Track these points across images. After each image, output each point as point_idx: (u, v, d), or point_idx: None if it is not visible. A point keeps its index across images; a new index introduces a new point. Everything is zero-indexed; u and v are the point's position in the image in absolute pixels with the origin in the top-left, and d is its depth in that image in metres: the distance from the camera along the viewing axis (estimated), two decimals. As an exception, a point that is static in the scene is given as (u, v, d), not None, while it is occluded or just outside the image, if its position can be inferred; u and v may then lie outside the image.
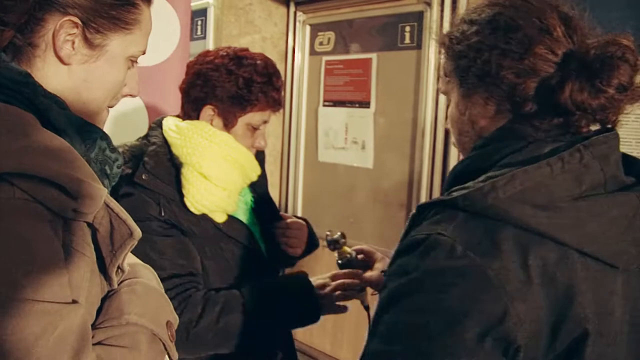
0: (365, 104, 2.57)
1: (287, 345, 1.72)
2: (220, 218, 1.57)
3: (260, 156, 1.76)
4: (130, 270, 0.97)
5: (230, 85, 1.54)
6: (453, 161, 2.23)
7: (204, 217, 1.54)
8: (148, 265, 1.04)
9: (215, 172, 1.50)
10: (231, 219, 1.61)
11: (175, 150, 1.53)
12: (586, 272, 0.86)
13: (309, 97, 2.85)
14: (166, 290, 1.37)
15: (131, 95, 1.04)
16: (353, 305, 1.59)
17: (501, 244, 0.84)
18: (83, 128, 0.91)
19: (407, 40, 2.39)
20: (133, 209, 1.51)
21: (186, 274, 1.49)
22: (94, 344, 0.80)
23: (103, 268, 0.86)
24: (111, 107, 1.01)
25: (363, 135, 2.59)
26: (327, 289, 1.55)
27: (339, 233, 1.59)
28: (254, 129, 1.58)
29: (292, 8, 2.88)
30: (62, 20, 0.86)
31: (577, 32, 0.93)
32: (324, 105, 2.76)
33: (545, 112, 0.92)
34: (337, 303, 1.58)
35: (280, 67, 2.87)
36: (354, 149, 2.64)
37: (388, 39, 2.47)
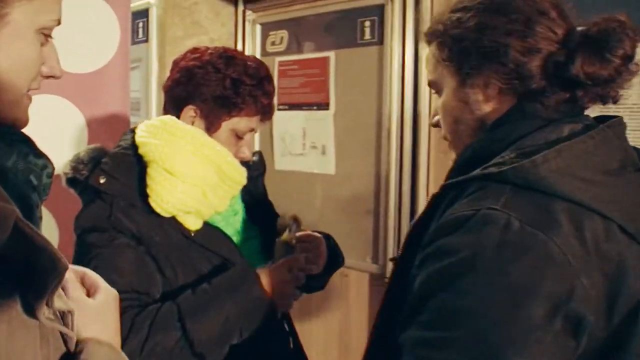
0: (323, 106, 2.40)
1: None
2: (193, 224, 1.38)
3: (257, 166, 1.62)
4: (85, 350, 0.75)
5: (216, 84, 1.40)
6: (423, 164, 2.09)
7: (171, 222, 1.36)
8: (108, 342, 0.81)
9: (181, 167, 1.33)
10: (208, 227, 1.42)
11: (141, 149, 1.36)
12: (629, 247, 0.86)
13: (262, 101, 2.66)
14: None
15: (54, 77, 0.88)
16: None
17: (558, 217, 0.82)
18: None
19: (367, 36, 2.24)
20: (85, 219, 1.35)
21: (124, 291, 1.30)
22: None
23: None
24: (34, 89, 0.85)
25: (323, 139, 2.42)
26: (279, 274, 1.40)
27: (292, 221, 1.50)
28: (239, 137, 1.43)
29: (241, 7, 2.69)
30: None
31: (569, 16, 0.96)
32: (279, 109, 2.57)
33: (552, 89, 0.93)
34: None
35: (229, 70, 2.70)
36: (313, 155, 2.47)
37: (346, 36, 2.31)
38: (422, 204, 2.10)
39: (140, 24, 2.68)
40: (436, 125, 1.09)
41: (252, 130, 1.45)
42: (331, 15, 2.36)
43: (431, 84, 1.08)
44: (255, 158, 1.63)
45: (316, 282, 1.60)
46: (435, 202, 0.95)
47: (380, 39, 2.19)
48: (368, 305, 2.31)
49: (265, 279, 1.37)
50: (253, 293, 1.34)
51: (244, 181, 1.50)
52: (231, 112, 1.40)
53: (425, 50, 2.03)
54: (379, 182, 2.24)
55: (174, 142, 1.35)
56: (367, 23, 2.23)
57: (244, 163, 1.55)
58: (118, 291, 1.25)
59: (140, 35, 2.71)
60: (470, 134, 0.99)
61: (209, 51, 1.45)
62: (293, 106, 2.52)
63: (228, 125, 1.42)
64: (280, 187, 2.56)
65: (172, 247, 1.36)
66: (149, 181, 1.32)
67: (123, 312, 1.23)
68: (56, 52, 0.87)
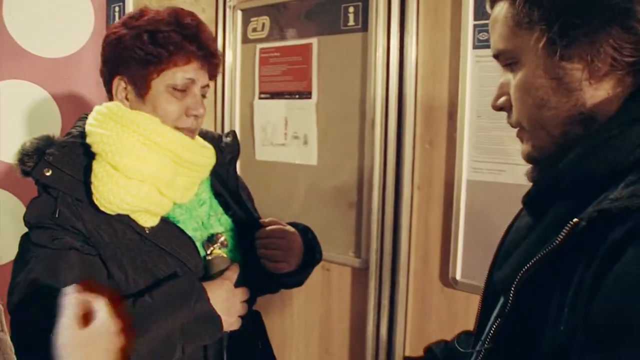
0: (306, 95, 2.32)
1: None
2: (147, 221, 1.27)
3: (230, 148, 1.51)
4: None
5: (132, 44, 1.27)
6: (408, 155, 2.01)
7: (122, 219, 1.25)
8: None
9: (127, 161, 1.21)
10: (165, 223, 1.31)
11: (88, 138, 1.26)
12: None
13: (242, 89, 2.57)
14: (15, 323, 1.09)
15: None
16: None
17: None
18: None
19: (351, 22, 2.16)
20: (30, 214, 1.25)
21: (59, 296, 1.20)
22: None
23: None
24: None
25: (305, 129, 2.34)
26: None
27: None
28: (180, 91, 1.28)
29: (221, -9, 2.60)
30: None
31: None
32: (260, 98, 2.49)
33: None
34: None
35: (209, 57, 2.61)
36: (295, 145, 2.39)
37: (329, 22, 2.22)
38: (406, 197, 2.03)
39: (116, 9, 2.57)
40: (501, 108, 0.87)
41: (192, 80, 1.30)
42: (314, 1, 2.27)
43: (500, 55, 0.84)
44: (228, 139, 1.52)
45: (291, 279, 1.51)
46: (578, 235, 0.69)
47: (364, 25, 2.11)
48: (350, 299, 2.25)
49: (209, 295, 1.26)
50: (197, 310, 1.23)
51: (212, 162, 1.40)
52: (157, 68, 1.27)
53: (411, 38, 1.98)
54: (362, 174, 2.16)
55: (121, 132, 1.25)
56: (351, 9, 2.15)
57: (215, 144, 1.46)
58: (53, 297, 1.18)
59: (116, 20, 2.60)
60: (561, 123, 0.78)
61: (121, 19, 1.35)
62: (274, 94, 2.44)
63: (160, 83, 1.28)
64: (261, 178, 2.49)
65: (122, 247, 1.26)
66: (92, 178, 1.22)
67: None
68: None
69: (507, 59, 0.83)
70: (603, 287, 0.63)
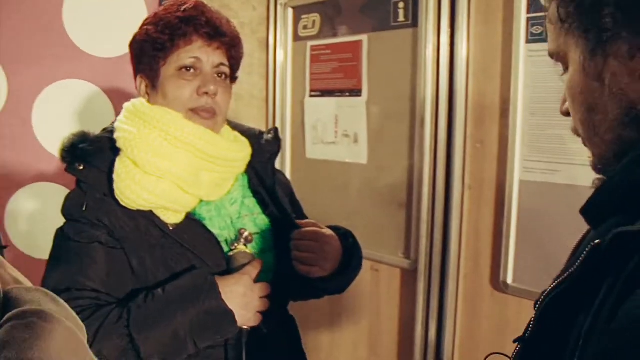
0: (356, 92, 2.28)
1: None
2: (169, 217, 1.28)
3: (271, 145, 1.48)
4: (15, 297, 0.67)
5: (141, 39, 1.32)
6: (458, 155, 1.95)
7: (147, 214, 1.26)
8: (40, 288, 0.74)
9: (145, 156, 1.22)
10: (189, 220, 1.30)
11: (115, 134, 1.28)
12: None
13: (294, 87, 2.56)
14: None
15: None
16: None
17: None
18: None
19: (402, 18, 2.11)
20: (64, 207, 1.28)
21: (81, 288, 1.21)
22: None
23: None
24: None
25: (355, 127, 2.31)
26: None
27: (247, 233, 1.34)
28: (189, 71, 1.30)
29: (272, -11, 2.59)
30: None
31: None
32: (311, 96, 2.48)
33: None
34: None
35: (261, 55, 2.60)
36: (345, 143, 2.36)
37: (380, 18, 2.18)
38: (456, 198, 1.97)
39: (170, 8, 2.62)
40: (566, 113, 0.80)
41: (197, 59, 1.30)
42: (364, -3, 2.23)
43: (552, 56, 0.79)
44: (269, 136, 1.50)
45: (327, 285, 1.45)
46: (600, 257, 0.64)
47: (414, 21, 2.06)
48: (399, 301, 2.20)
49: (225, 289, 1.25)
50: (207, 305, 1.22)
51: (243, 156, 1.38)
52: (163, 54, 1.29)
53: (462, 34, 1.92)
54: (412, 173, 2.11)
55: (143, 128, 1.26)
56: (401, 4, 2.10)
57: (255, 141, 1.44)
58: (76, 289, 1.20)
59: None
60: (612, 127, 0.71)
61: None
62: (325, 92, 2.41)
63: (168, 69, 1.30)
64: (311, 177, 2.48)
65: (144, 242, 1.27)
66: (114, 173, 1.24)
67: (78, 312, 1.16)
68: None
69: (558, 61, 0.78)
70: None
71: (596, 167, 0.78)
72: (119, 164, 1.24)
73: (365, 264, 2.24)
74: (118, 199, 1.24)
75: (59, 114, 2.23)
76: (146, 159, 1.22)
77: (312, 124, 2.48)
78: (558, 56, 0.77)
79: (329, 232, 1.44)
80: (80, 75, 2.25)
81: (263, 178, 1.47)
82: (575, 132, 0.78)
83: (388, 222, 2.21)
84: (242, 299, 1.25)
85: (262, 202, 1.45)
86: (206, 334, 1.22)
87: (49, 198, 2.24)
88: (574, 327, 0.65)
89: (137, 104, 1.31)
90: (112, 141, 1.29)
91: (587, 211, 0.73)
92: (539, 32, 1.71)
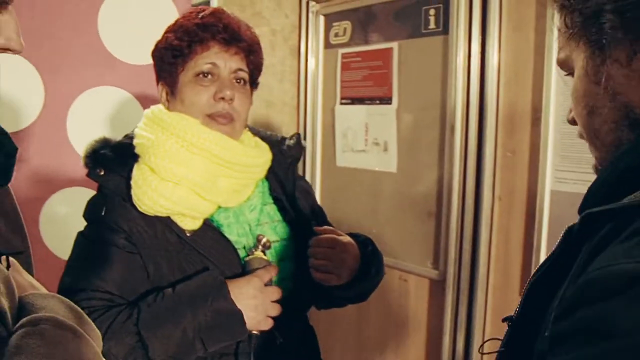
0: (386, 100, 2.27)
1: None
2: (187, 223, 1.27)
3: (293, 151, 1.48)
4: (30, 303, 0.68)
5: (161, 48, 1.34)
6: (489, 163, 1.92)
7: (164, 220, 1.26)
8: (55, 294, 0.75)
9: (162, 162, 1.23)
10: (207, 227, 1.30)
11: (135, 140, 1.30)
12: None
13: (324, 94, 2.56)
14: None
15: (12, 51, 0.78)
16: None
17: None
18: None
19: (432, 25, 2.09)
20: (85, 211, 1.29)
21: (95, 289, 1.22)
22: None
23: None
24: None
25: (385, 135, 2.29)
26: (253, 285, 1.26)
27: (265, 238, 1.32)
28: (204, 75, 1.30)
29: (304, -3, 2.59)
30: None
31: None
32: (342, 104, 2.47)
33: None
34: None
35: (292, 63, 2.61)
36: (375, 151, 2.34)
37: (410, 25, 2.16)
38: (486, 208, 1.94)
39: (202, 16, 2.64)
40: (573, 122, 0.81)
41: (214, 65, 1.31)
42: (395, 4, 2.22)
43: (560, 65, 0.81)
44: (291, 142, 1.49)
45: (344, 293, 1.43)
46: (573, 238, 0.69)
47: (445, 29, 2.04)
48: (427, 312, 2.17)
49: (234, 290, 1.24)
50: (215, 304, 1.21)
51: (262, 162, 1.37)
52: (181, 60, 1.30)
53: (493, 41, 1.88)
54: (441, 182, 2.09)
55: (161, 134, 1.27)
56: (432, 11, 2.08)
57: (277, 147, 1.43)
58: (90, 290, 1.21)
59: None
60: (612, 130, 0.72)
61: None
62: (355, 100, 2.40)
63: (185, 75, 1.30)
64: (341, 184, 2.47)
65: (161, 248, 1.27)
66: (132, 180, 1.25)
67: (90, 313, 1.17)
68: (15, 22, 0.78)
69: (565, 69, 0.80)
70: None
71: (598, 170, 0.80)
72: (137, 170, 1.26)
73: (393, 274, 2.23)
74: (136, 204, 1.25)
75: (92, 121, 2.27)
76: (162, 165, 1.23)
77: (343, 131, 2.47)
78: (565, 64, 0.79)
79: (347, 239, 1.42)
80: (114, 82, 2.28)
81: (284, 184, 1.46)
82: (581, 136, 0.79)
83: (417, 231, 2.18)
84: (252, 300, 1.24)
85: (282, 209, 1.45)
86: (214, 335, 1.21)
87: (82, 202, 2.27)
88: (548, 310, 0.68)
89: (155, 111, 1.32)
90: (133, 147, 1.30)
91: (581, 207, 0.75)
92: (572, 38, 1.67)
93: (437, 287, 2.12)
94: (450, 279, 2.03)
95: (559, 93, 1.72)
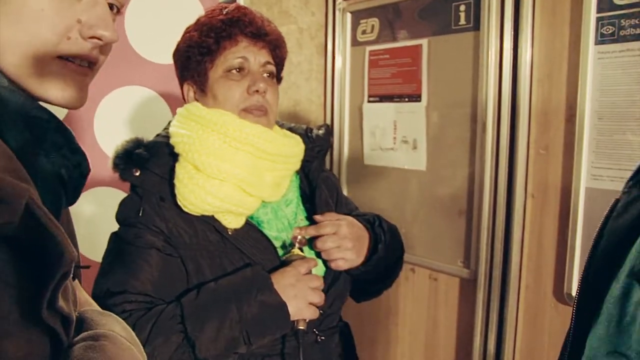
0: (415, 98, 2.24)
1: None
2: (231, 222, 1.26)
3: (321, 141, 1.45)
4: (89, 318, 0.68)
5: (186, 46, 1.33)
6: (521, 161, 1.89)
7: (206, 219, 1.25)
8: (111, 314, 0.75)
9: (207, 159, 1.22)
10: (248, 225, 1.29)
11: (172, 139, 1.28)
12: None
13: (352, 92, 2.54)
14: None
15: (100, 40, 0.75)
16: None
17: None
18: (23, 110, 0.65)
19: (463, 21, 2.06)
20: (119, 212, 1.29)
21: (134, 292, 1.20)
22: None
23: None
24: (63, 55, 0.73)
25: (414, 133, 2.27)
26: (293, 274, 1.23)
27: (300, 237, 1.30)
28: (237, 72, 1.30)
29: (331, -6, 2.57)
30: None
31: None
32: (369, 101, 2.45)
33: None
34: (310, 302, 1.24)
35: (319, 61, 2.59)
36: (404, 150, 2.32)
37: (440, 22, 2.14)
38: (519, 206, 1.91)
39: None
40: None
41: (244, 59, 1.30)
42: (424, 1, 2.19)
43: None
44: (320, 132, 1.47)
45: (365, 275, 1.39)
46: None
47: (476, 24, 2.01)
48: (457, 311, 2.14)
49: (278, 284, 1.22)
50: (260, 297, 1.19)
51: (298, 151, 1.35)
52: (210, 57, 1.30)
53: (526, 36, 1.85)
54: (472, 181, 2.06)
55: (201, 131, 1.25)
56: (462, 7, 2.05)
57: (305, 136, 1.42)
58: (129, 292, 1.20)
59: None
60: None
61: None
62: (384, 98, 2.38)
63: (216, 71, 1.30)
64: (369, 183, 2.45)
65: (202, 248, 1.25)
66: (175, 179, 1.24)
67: (129, 315, 1.16)
68: (104, 10, 0.75)
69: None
70: None
71: None
72: (180, 169, 1.24)
73: (423, 273, 2.21)
74: (180, 204, 1.23)
75: (120, 121, 2.27)
76: (208, 162, 1.21)
77: (370, 129, 2.45)
78: None
79: (348, 219, 1.38)
80: (140, 81, 2.28)
81: (309, 177, 1.45)
82: None
83: (447, 230, 2.16)
84: (291, 289, 1.23)
85: (310, 204, 1.43)
86: (259, 328, 1.20)
87: (109, 202, 2.26)
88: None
89: (192, 108, 1.31)
90: (169, 146, 1.29)
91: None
92: (610, 32, 1.64)
93: (467, 286, 2.09)
94: (481, 278, 2.00)
95: (595, 89, 1.69)
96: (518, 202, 1.91)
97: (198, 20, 1.36)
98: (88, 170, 0.84)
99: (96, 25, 0.74)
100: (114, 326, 0.70)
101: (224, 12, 1.32)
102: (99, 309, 0.78)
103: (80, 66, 0.76)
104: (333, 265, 1.35)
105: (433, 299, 2.23)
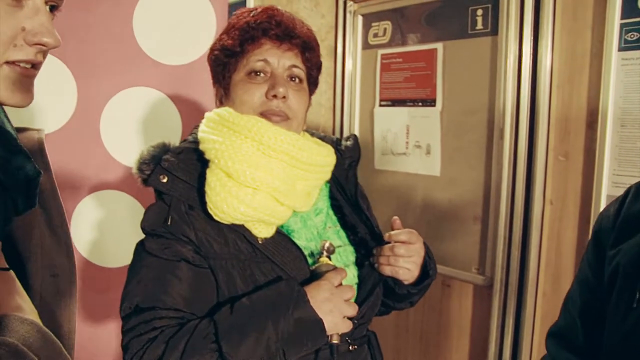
0: (429, 102, 2.22)
1: None
2: (261, 231, 1.22)
3: (351, 152, 1.42)
4: (5, 324, 0.68)
5: (215, 47, 1.32)
6: (539, 168, 1.87)
7: (236, 228, 1.21)
8: (37, 322, 0.74)
9: (240, 167, 1.17)
10: (279, 235, 1.25)
11: (202, 145, 1.23)
12: None
13: (362, 96, 2.52)
14: (124, 331, 1.10)
15: (44, 45, 0.79)
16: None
17: None
18: None
19: (480, 26, 2.04)
20: (145, 221, 1.20)
21: (165, 308, 1.15)
22: None
23: None
24: (10, 62, 0.76)
25: (428, 138, 2.24)
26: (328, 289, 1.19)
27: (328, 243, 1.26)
28: (257, 73, 1.26)
29: (342, -3, 2.55)
30: None
31: None
32: (381, 105, 2.42)
33: None
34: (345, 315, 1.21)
35: (328, 64, 2.56)
36: (417, 155, 2.29)
37: (456, 26, 2.12)
38: (537, 213, 1.89)
39: (239, 16, 2.60)
40: None
41: (266, 61, 1.26)
42: (439, 4, 2.17)
43: None
44: (348, 143, 1.44)
45: (415, 291, 1.38)
46: None
47: (494, 29, 1.99)
48: (471, 319, 2.12)
49: (314, 298, 1.18)
50: (296, 314, 1.15)
51: (331, 161, 1.31)
52: (234, 59, 1.27)
53: (546, 42, 1.83)
54: (489, 187, 2.04)
55: (233, 138, 1.20)
56: (480, 11, 2.03)
57: (335, 147, 1.39)
58: (159, 308, 1.15)
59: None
60: None
61: None
62: (396, 102, 2.36)
63: (238, 74, 1.27)
64: (380, 188, 2.42)
65: (232, 257, 1.21)
66: (206, 187, 1.18)
67: (160, 332, 1.12)
68: (46, 17, 0.78)
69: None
70: None
71: None
72: (211, 176, 1.19)
73: (436, 279, 2.18)
74: (211, 212, 1.18)
75: (126, 122, 2.23)
76: (241, 170, 1.17)
77: (382, 134, 2.42)
78: None
79: (415, 233, 1.37)
80: (148, 82, 2.24)
81: (343, 187, 1.41)
82: None
83: (461, 236, 2.14)
84: (327, 304, 1.18)
85: (339, 212, 1.40)
86: (296, 344, 1.15)
87: (115, 206, 2.23)
88: None
89: (223, 114, 1.26)
90: (197, 152, 1.25)
91: None
92: (634, 38, 1.62)
93: (481, 293, 2.07)
94: (497, 285, 1.98)
95: (617, 96, 1.67)
96: (536, 208, 1.89)
97: (229, 22, 1.33)
98: (36, 172, 0.82)
99: (40, 32, 0.77)
100: (29, 334, 0.70)
101: (252, 15, 1.29)
102: (30, 316, 0.75)
103: (26, 68, 0.79)
104: (390, 270, 1.32)
105: (445, 305, 2.20)
